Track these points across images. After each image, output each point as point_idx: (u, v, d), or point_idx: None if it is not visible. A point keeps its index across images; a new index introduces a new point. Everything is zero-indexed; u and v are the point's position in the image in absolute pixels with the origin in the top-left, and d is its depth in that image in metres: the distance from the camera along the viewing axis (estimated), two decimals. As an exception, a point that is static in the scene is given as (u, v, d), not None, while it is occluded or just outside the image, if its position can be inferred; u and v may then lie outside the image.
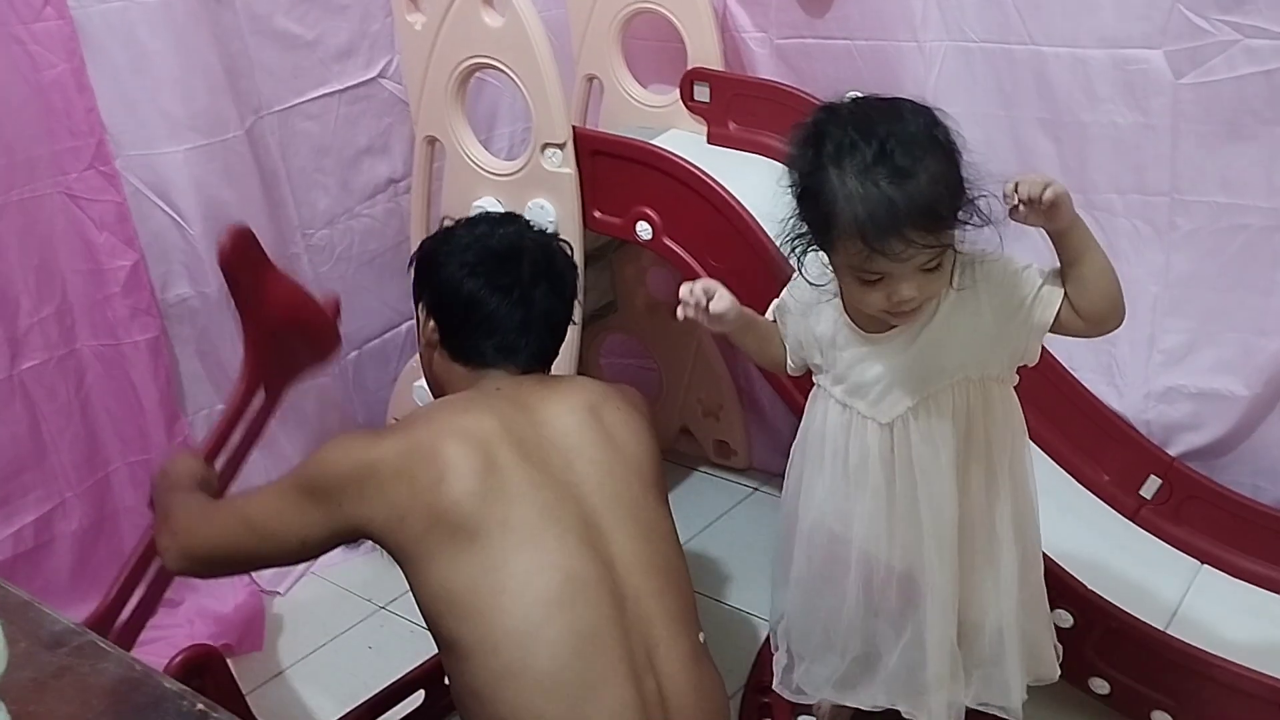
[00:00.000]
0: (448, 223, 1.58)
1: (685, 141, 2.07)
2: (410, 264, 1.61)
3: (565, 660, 1.26)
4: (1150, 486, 1.95)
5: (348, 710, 1.73)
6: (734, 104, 2.08)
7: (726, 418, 2.51)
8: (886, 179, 1.21)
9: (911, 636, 1.46)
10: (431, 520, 1.31)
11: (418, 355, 2.21)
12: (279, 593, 2.20)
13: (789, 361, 1.52)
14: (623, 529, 1.37)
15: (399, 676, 1.79)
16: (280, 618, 2.14)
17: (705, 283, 1.42)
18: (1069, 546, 1.72)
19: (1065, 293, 1.31)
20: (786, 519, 1.55)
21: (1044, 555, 1.69)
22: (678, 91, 2.14)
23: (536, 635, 1.27)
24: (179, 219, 1.97)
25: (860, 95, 1.32)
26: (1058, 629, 1.61)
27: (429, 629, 1.37)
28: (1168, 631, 1.71)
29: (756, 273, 1.79)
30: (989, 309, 1.33)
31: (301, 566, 2.23)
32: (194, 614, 2.10)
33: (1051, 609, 1.68)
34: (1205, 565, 1.91)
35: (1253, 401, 1.89)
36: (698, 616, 1.42)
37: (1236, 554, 1.90)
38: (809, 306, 1.44)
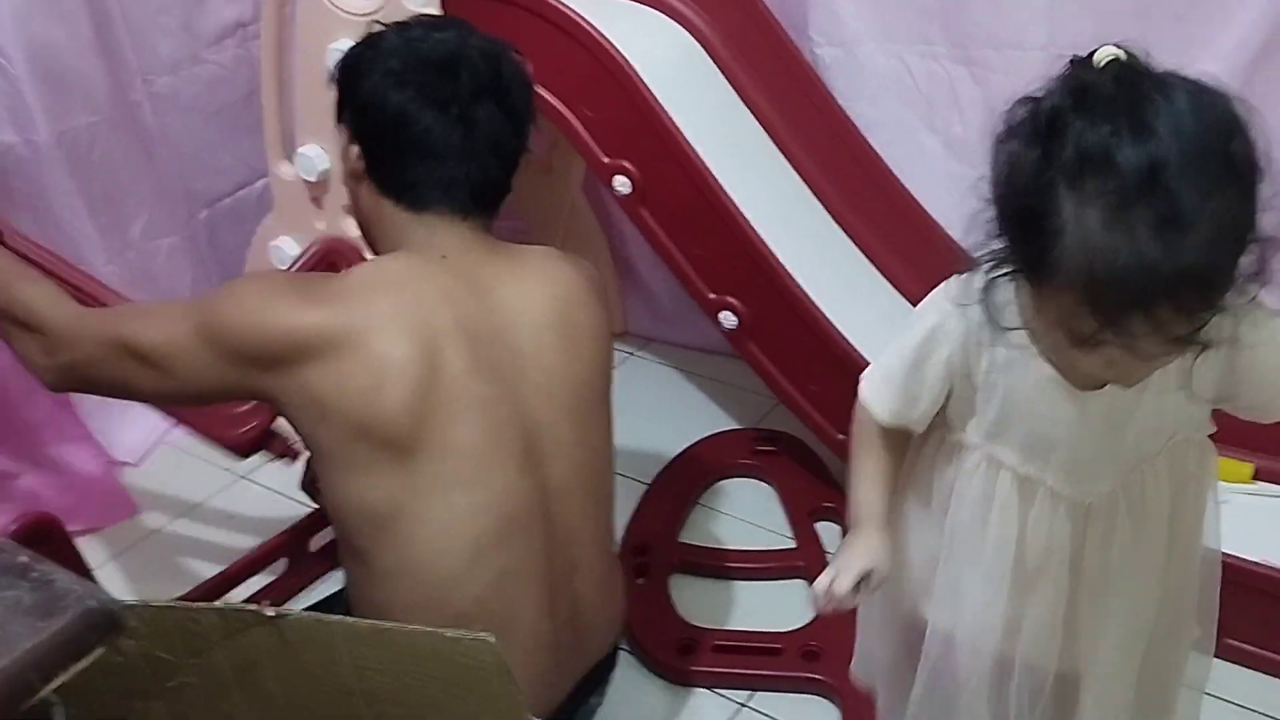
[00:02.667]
0: (375, 27, 1.32)
1: (558, -14, 1.96)
2: (331, 77, 1.34)
3: (487, 601, 1.20)
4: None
5: (208, 578, 1.66)
6: (610, -53, 1.98)
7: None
8: (1151, 227, 0.81)
9: None
10: (359, 429, 1.16)
11: (271, 214, 2.11)
12: (131, 463, 2.09)
13: (910, 416, 1.09)
14: (564, 452, 1.26)
15: (260, 544, 1.73)
16: (134, 489, 2.04)
17: (839, 574, 1.07)
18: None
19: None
20: (890, 616, 1.20)
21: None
22: (551, -67, 2.02)
23: (463, 577, 1.19)
24: (-1, 57, 1.80)
25: (1124, 55, 0.87)
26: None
27: (335, 530, 1.26)
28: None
29: (636, 123, 1.72)
30: (1230, 354, 0.99)
31: (155, 436, 2.13)
32: (39, 487, 1.99)
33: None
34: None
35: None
36: (614, 529, 1.38)
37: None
38: (977, 338, 1.02)
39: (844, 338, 1.72)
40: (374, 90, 1.26)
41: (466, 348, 1.20)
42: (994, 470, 1.06)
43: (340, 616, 0.86)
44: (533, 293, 1.27)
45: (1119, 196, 0.82)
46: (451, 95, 1.25)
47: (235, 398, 1.28)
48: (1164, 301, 0.83)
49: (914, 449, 1.14)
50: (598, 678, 1.41)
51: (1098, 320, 0.85)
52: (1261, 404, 1.04)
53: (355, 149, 1.30)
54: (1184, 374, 0.97)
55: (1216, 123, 0.85)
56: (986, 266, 0.96)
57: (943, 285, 1.06)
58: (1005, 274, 0.95)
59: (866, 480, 1.13)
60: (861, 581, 1.07)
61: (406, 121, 1.25)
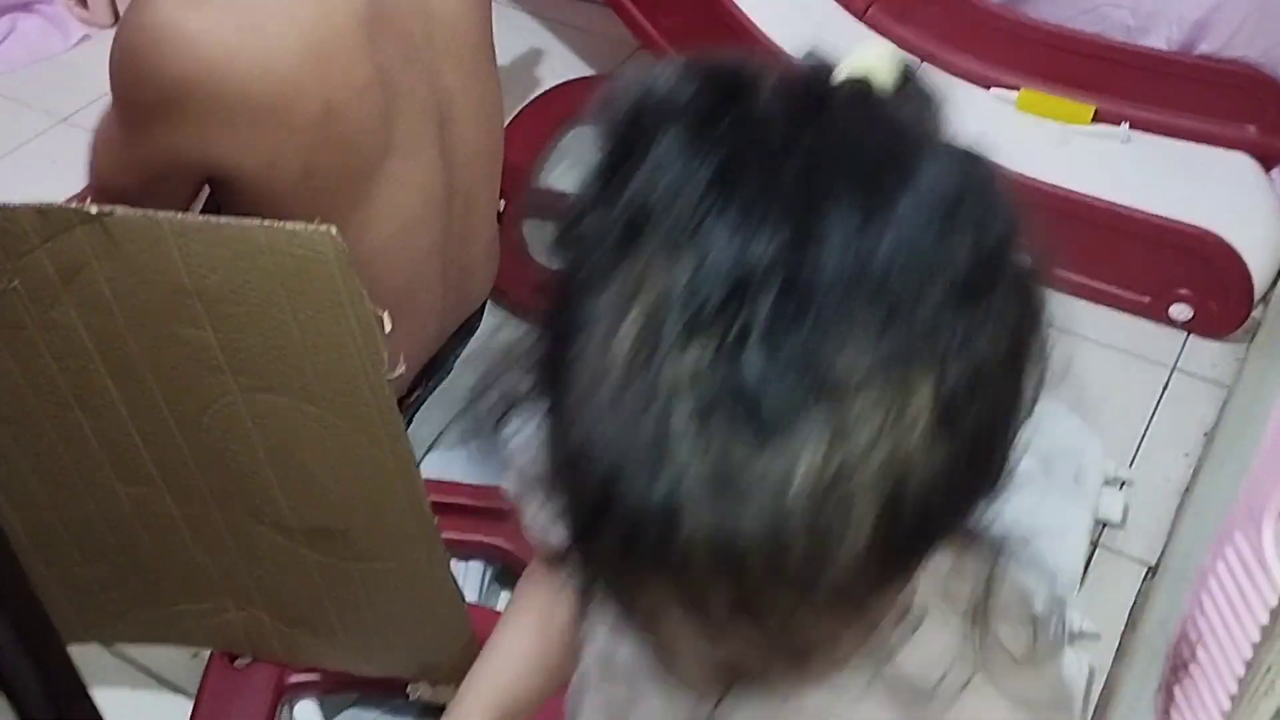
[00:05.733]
0: None
1: None
2: None
3: (399, 279, 1.17)
4: (880, -15, 1.93)
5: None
6: None
7: None
8: (700, 381, 0.37)
9: None
10: (310, 169, 1.03)
11: None
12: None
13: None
14: (468, 116, 1.21)
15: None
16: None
17: None
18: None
19: None
20: None
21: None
22: None
23: (380, 262, 1.13)
24: None
25: (880, 80, 0.43)
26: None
27: None
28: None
29: None
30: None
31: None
32: None
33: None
34: (925, 63, 1.94)
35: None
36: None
37: (956, 54, 1.94)
38: None
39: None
40: None
41: (385, 26, 1.07)
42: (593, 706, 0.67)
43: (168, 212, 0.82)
44: None
45: (664, 300, 0.38)
46: None
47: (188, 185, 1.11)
48: (674, 567, 0.38)
49: None
50: (467, 327, 1.43)
51: (617, 572, 0.41)
52: None
53: None
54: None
55: (952, 226, 0.39)
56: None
57: None
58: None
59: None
60: None
61: None
